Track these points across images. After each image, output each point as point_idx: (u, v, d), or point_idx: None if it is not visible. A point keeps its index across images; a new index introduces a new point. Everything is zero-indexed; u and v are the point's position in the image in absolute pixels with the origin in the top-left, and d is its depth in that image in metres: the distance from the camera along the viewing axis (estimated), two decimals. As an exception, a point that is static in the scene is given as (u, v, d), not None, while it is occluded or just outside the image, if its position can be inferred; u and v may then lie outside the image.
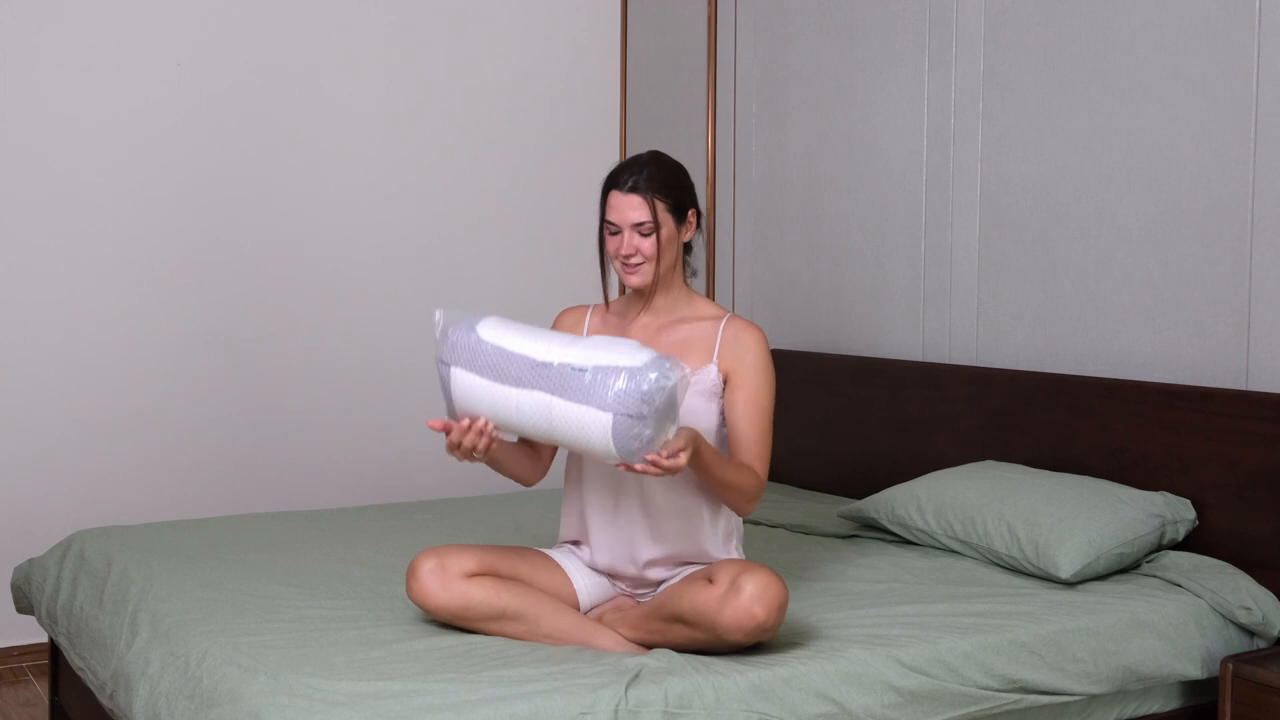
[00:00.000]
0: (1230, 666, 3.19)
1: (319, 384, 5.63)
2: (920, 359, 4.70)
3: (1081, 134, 4.13)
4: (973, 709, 3.02)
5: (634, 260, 3.23)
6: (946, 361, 4.60)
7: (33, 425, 5.14)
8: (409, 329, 5.79)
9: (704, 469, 3.04)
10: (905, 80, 4.73)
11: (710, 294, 5.67)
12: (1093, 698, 3.22)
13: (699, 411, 3.23)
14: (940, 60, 4.59)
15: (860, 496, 4.62)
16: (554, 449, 3.39)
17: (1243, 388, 3.69)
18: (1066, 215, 4.18)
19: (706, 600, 2.90)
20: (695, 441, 2.95)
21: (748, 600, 2.85)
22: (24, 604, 4.23)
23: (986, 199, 4.44)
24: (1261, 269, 3.64)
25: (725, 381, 3.25)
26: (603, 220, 3.27)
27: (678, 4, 5.87)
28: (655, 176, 3.23)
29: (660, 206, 3.21)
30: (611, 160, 6.10)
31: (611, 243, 3.26)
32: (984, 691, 3.04)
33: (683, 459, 2.88)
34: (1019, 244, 4.34)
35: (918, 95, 4.68)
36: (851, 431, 4.87)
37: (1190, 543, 3.72)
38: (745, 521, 4.28)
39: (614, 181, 3.25)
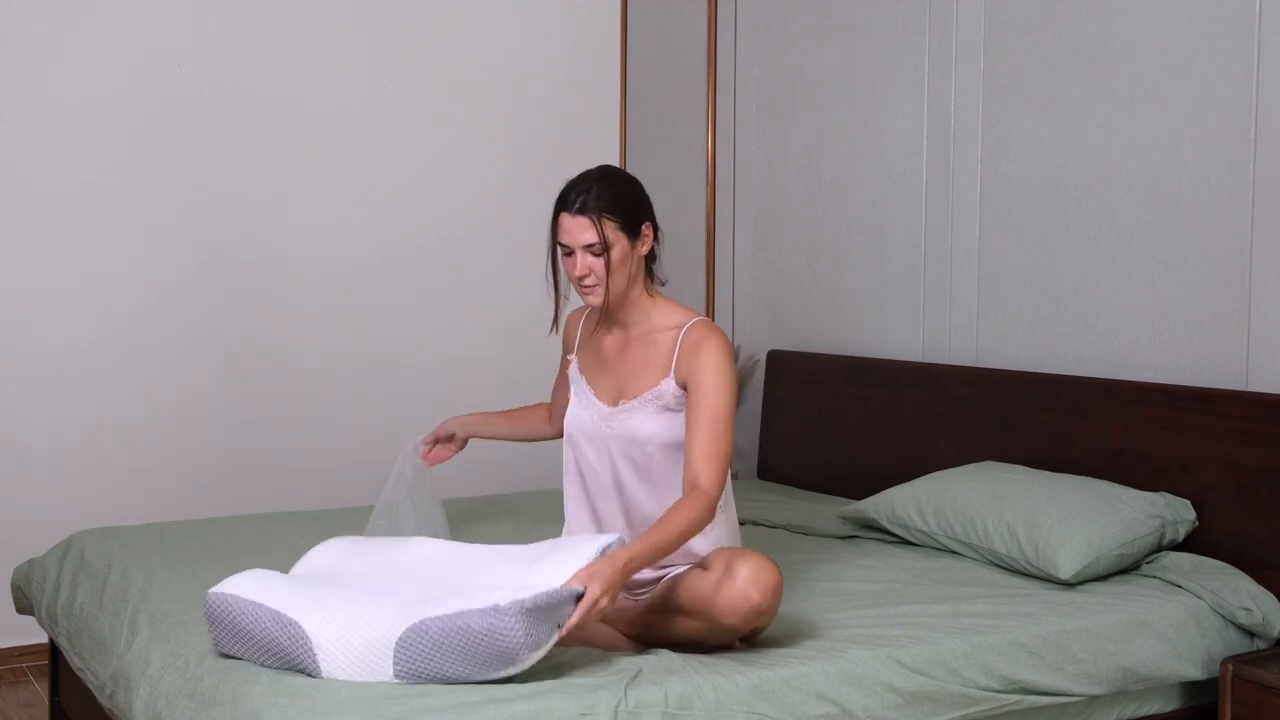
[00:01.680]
0: (1230, 667, 3.19)
1: (318, 384, 5.62)
2: (920, 359, 4.70)
3: (1082, 134, 4.13)
4: (973, 710, 3.02)
5: (588, 281, 3.23)
6: (946, 362, 4.59)
7: (33, 426, 5.14)
8: (409, 330, 5.79)
9: (648, 563, 2.94)
10: (905, 81, 4.73)
11: (710, 294, 5.67)
12: (1093, 698, 3.22)
13: (663, 425, 3.24)
14: (940, 60, 4.59)
15: (860, 497, 4.61)
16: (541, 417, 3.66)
17: (1243, 388, 3.69)
18: (1066, 215, 4.18)
19: (701, 586, 2.90)
20: (612, 577, 2.79)
21: (742, 584, 2.85)
22: (24, 604, 4.23)
23: (986, 199, 4.44)
24: (1262, 269, 3.64)
25: (686, 389, 3.22)
26: (555, 241, 3.27)
27: (678, 4, 5.87)
28: (604, 194, 3.21)
29: (609, 226, 3.19)
30: (612, 161, 6.10)
31: (567, 264, 3.25)
32: (984, 692, 3.04)
33: (600, 603, 2.76)
34: (1019, 244, 4.34)
35: (918, 96, 4.68)
36: (851, 432, 4.87)
37: (1190, 543, 3.71)
38: (743, 522, 4.28)
39: (563, 202, 3.24)
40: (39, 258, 5.13)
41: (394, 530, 3.44)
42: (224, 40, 5.39)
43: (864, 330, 4.95)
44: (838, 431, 4.93)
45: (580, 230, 3.19)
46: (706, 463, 3.08)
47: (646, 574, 3.26)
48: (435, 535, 3.42)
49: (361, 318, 5.70)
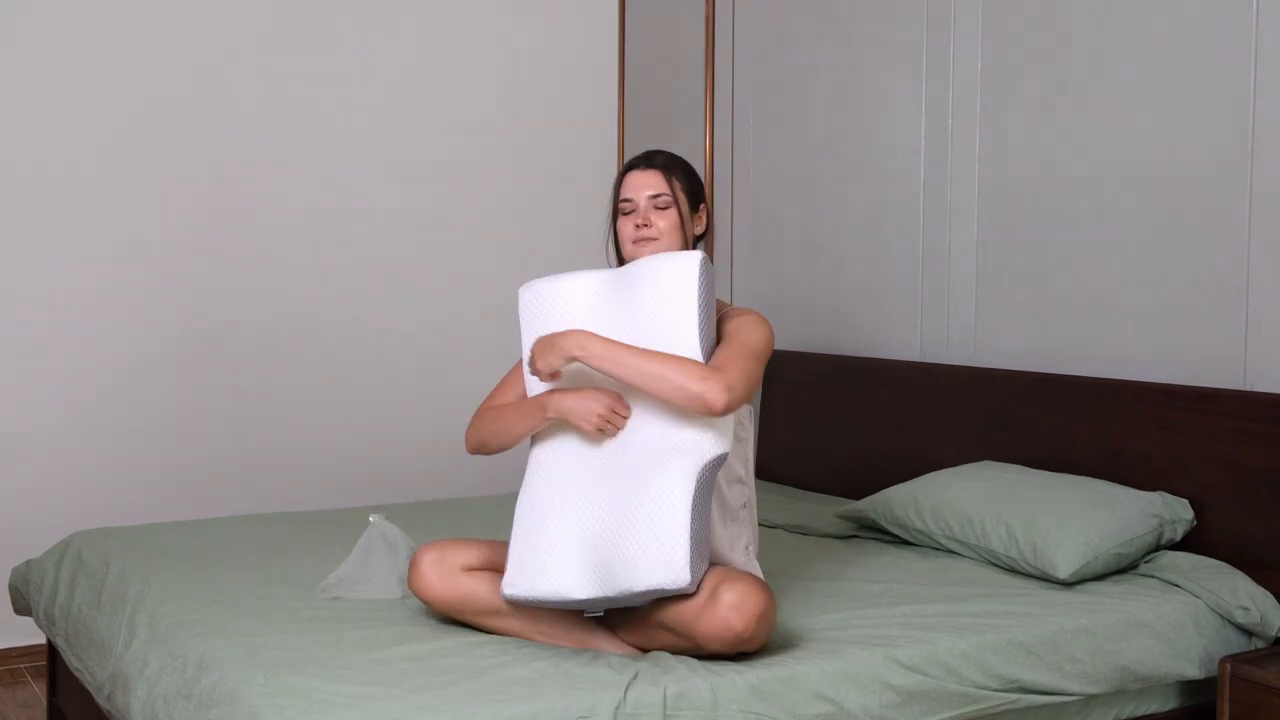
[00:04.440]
0: (1228, 666, 3.19)
1: (319, 386, 5.62)
2: (919, 359, 4.70)
3: (1079, 134, 4.13)
4: (970, 709, 3.02)
5: (647, 231, 3.21)
6: (945, 362, 4.59)
7: (31, 427, 5.14)
8: (410, 330, 5.79)
9: (609, 362, 3.01)
10: (903, 81, 4.73)
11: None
12: (1091, 698, 3.22)
13: None
14: (938, 60, 4.59)
15: (858, 497, 4.61)
16: None
17: (1242, 388, 3.69)
18: (1065, 215, 4.18)
19: (686, 609, 2.88)
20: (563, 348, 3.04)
21: (725, 610, 2.82)
22: (22, 605, 4.23)
23: (984, 199, 4.44)
24: (1260, 269, 3.64)
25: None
26: (616, 204, 3.28)
27: (675, 5, 5.87)
28: (673, 161, 3.28)
29: (677, 185, 3.24)
30: (610, 160, 6.10)
31: (624, 223, 3.25)
32: (982, 691, 3.03)
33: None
34: (1017, 244, 4.33)
35: (916, 95, 4.68)
36: (850, 432, 4.87)
37: (1188, 543, 3.71)
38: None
39: (632, 164, 3.29)
40: (37, 259, 5.13)
41: (345, 593, 3.44)
42: (224, 40, 5.39)
43: (862, 330, 4.95)
44: (836, 431, 4.93)
45: (649, 181, 3.24)
46: (730, 366, 3.00)
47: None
48: (388, 595, 3.43)
49: (363, 318, 5.71)
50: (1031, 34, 4.27)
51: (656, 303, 3.04)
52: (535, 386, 3.18)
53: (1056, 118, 4.20)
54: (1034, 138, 4.27)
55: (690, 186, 3.27)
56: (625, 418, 3.05)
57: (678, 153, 3.41)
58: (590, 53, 6.17)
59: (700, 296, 3.02)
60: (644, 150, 3.38)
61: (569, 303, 3.16)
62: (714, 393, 2.92)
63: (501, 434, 3.21)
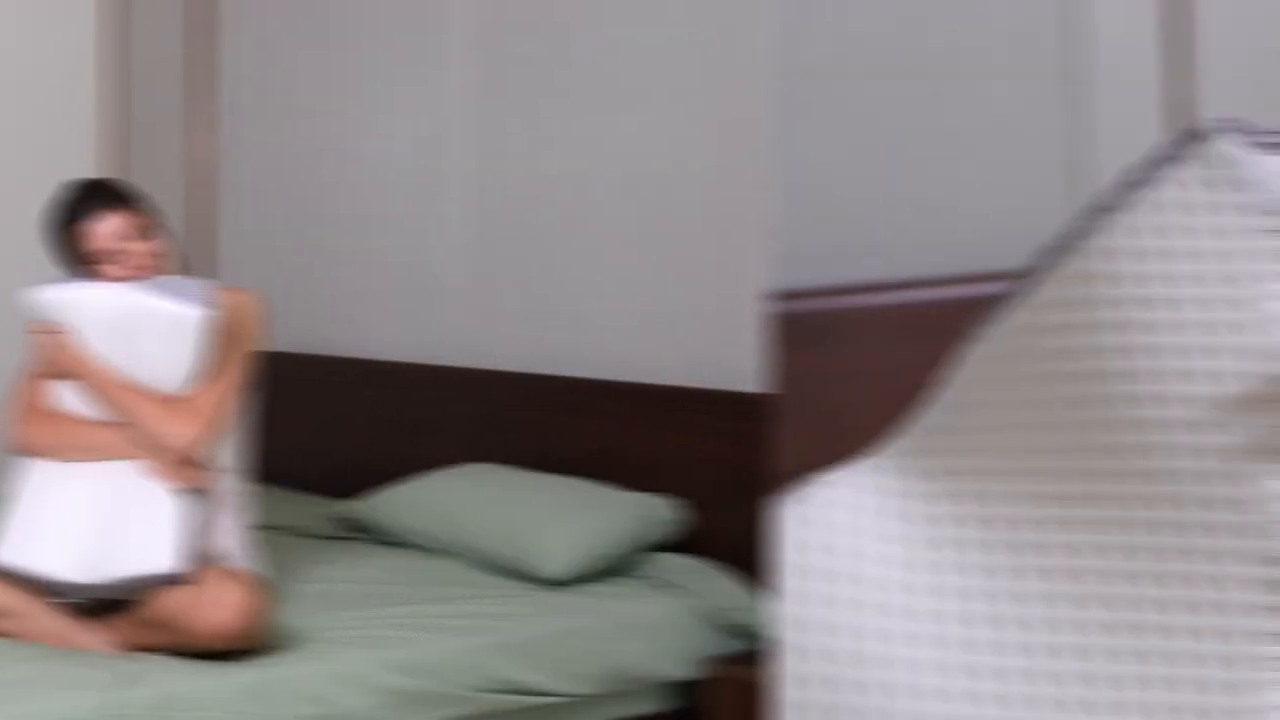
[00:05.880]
0: (713, 665, 3.32)
1: None
2: (411, 359, 4.70)
3: (563, 141, 4.18)
4: (463, 709, 3.05)
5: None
6: (441, 363, 4.59)
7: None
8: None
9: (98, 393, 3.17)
10: (398, 84, 4.75)
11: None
12: (583, 698, 3.26)
13: None
14: (430, 64, 4.58)
15: (352, 497, 4.54)
16: None
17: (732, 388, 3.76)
18: (560, 214, 4.23)
19: (179, 605, 2.88)
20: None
21: (217, 607, 2.85)
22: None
23: (482, 201, 4.45)
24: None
25: None
26: (86, 256, 3.27)
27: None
28: (116, 188, 3.34)
29: (142, 210, 3.28)
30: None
31: (111, 273, 3.24)
32: (474, 694, 3.06)
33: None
34: (515, 246, 4.39)
35: (406, 100, 4.68)
36: (344, 434, 4.84)
37: (692, 546, 3.75)
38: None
39: (85, 211, 3.26)
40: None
41: None
42: None
43: (354, 329, 4.96)
44: (329, 433, 4.90)
45: (121, 220, 3.24)
46: (199, 416, 3.16)
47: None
48: None
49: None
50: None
51: (157, 353, 3.15)
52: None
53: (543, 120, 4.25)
54: (529, 144, 4.32)
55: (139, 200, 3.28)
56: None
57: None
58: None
59: (197, 358, 3.13)
60: (72, 186, 3.32)
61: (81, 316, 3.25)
62: (177, 445, 3.12)
63: (87, 450, 3.17)
